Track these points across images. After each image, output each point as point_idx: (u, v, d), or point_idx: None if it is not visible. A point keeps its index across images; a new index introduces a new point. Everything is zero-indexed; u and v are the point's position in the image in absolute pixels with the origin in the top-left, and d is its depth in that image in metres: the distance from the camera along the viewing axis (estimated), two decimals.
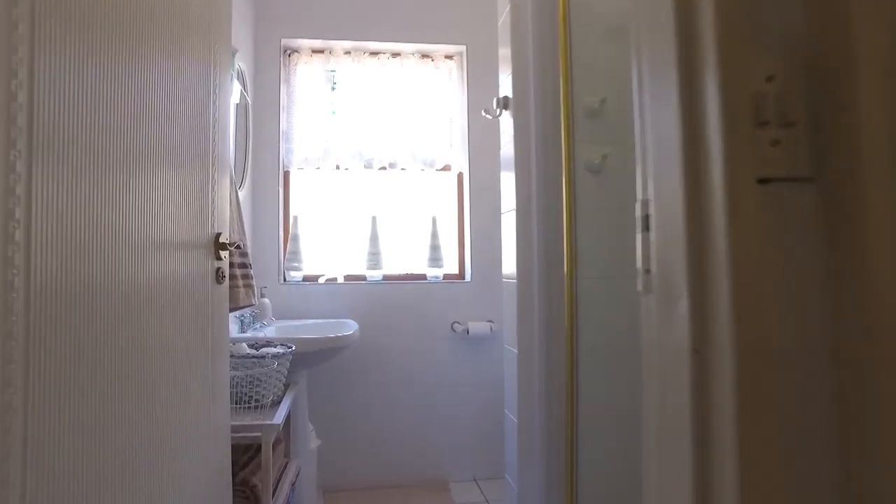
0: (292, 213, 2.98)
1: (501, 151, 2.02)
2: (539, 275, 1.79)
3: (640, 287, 0.70)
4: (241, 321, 2.27)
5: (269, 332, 2.37)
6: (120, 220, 0.91)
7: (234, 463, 1.66)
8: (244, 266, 1.89)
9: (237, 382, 1.69)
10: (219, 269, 1.38)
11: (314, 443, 2.55)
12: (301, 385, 2.21)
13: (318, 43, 3.01)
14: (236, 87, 2.25)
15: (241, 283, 1.81)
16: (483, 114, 2.00)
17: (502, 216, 1.99)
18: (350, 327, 2.34)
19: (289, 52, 3.04)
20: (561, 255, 1.74)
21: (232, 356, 1.74)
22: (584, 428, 1.63)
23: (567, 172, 1.73)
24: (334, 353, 2.32)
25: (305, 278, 2.92)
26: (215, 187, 1.37)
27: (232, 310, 1.85)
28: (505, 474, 2.08)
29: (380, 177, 3.08)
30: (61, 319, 0.75)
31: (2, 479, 0.65)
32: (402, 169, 3.03)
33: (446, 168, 3.09)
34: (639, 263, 0.69)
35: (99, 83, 0.84)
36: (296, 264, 2.88)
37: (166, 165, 1.10)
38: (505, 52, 1.96)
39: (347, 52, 3.04)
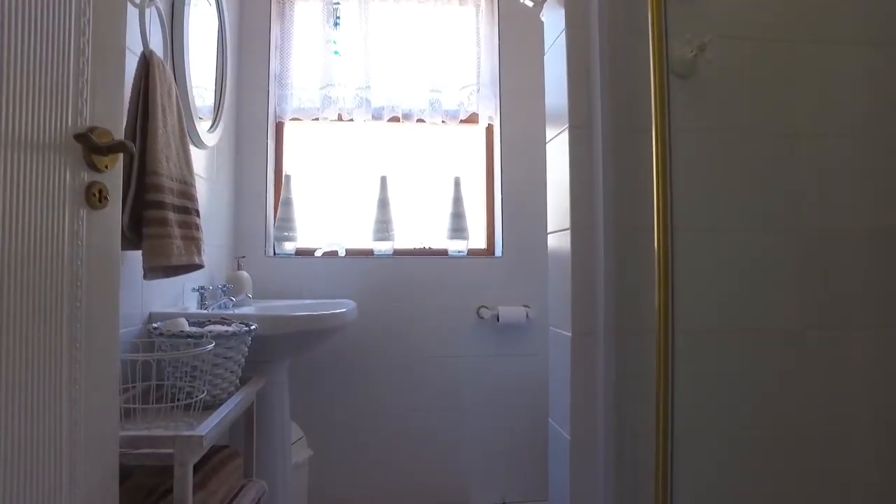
0: (285, 172, 2.45)
1: (545, 56, 1.45)
2: (606, 224, 1.21)
3: None
4: (202, 296, 1.74)
5: (246, 312, 1.84)
6: None
7: (150, 490, 1.12)
8: (185, 211, 1.35)
9: (166, 373, 1.16)
10: (93, 184, 0.85)
11: (303, 454, 2.02)
12: (277, 382, 1.68)
13: None
14: None
15: (176, 232, 1.28)
16: (521, 0, 1.43)
17: (548, 143, 1.42)
18: (345, 306, 1.79)
19: None
20: (641, 195, 1.17)
21: (162, 335, 1.22)
22: (684, 442, 1.05)
23: (657, 70, 1.15)
24: (322, 337, 1.78)
25: (299, 251, 2.39)
26: (85, 55, 0.84)
27: (164, 269, 1.32)
28: (546, 501, 1.51)
29: (391, 130, 2.53)
30: None
31: None
32: (419, 120, 2.48)
33: (472, 119, 2.53)
34: None
35: None
36: (288, 234, 2.35)
37: None
38: None
39: None
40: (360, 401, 2.31)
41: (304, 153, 2.53)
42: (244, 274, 2.05)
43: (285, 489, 1.75)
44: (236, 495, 1.31)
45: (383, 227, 2.37)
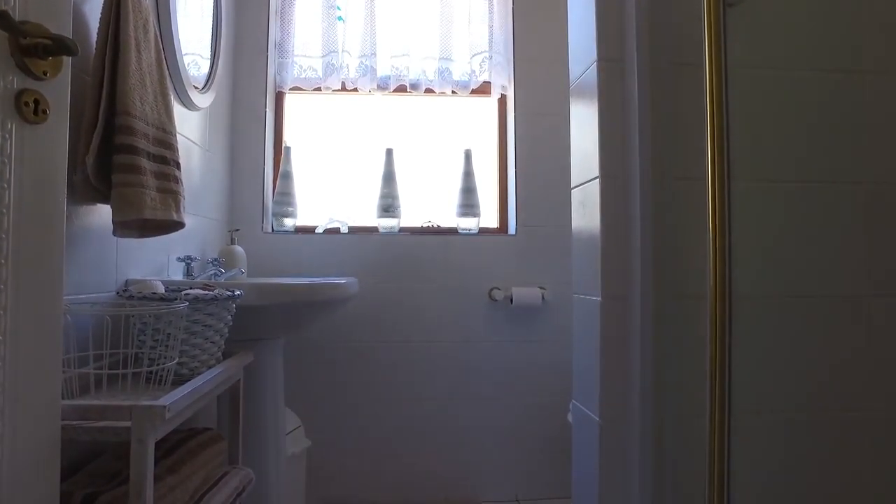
0: (285, 143, 2.30)
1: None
2: (643, 172, 1.04)
3: None
4: (188, 266, 1.58)
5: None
6: None
7: (112, 476, 0.97)
8: (162, 160, 1.20)
9: (136, 340, 1.00)
10: (24, 91, 0.69)
11: (300, 444, 1.86)
12: (269, 361, 1.52)
13: None
14: None
15: (151, 182, 1.12)
16: None
17: (571, 88, 1.25)
18: (342, 279, 1.63)
19: None
20: (686, 139, 1.00)
21: (133, 297, 1.06)
22: (742, 426, 0.88)
23: None
24: (319, 311, 1.62)
25: (298, 228, 2.23)
26: None
27: (139, 226, 1.17)
28: (569, 498, 1.34)
29: (397, 100, 2.38)
30: None
31: None
32: (427, 90, 2.32)
33: (484, 90, 2.36)
34: None
35: None
36: (287, 209, 2.20)
37: None
38: None
39: None
40: (362, 388, 2.15)
41: (305, 124, 2.38)
42: (238, 248, 1.90)
43: (278, 480, 1.59)
44: (216, 483, 1.14)
45: (389, 203, 2.21)
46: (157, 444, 0.89)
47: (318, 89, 2.33)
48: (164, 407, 0.82)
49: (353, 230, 2.24)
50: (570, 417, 1.49)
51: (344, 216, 2.27)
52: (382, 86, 2.32)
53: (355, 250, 2.19)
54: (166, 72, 1.30)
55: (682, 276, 1.03)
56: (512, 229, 2.29)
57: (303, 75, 2.33)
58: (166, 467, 1.00)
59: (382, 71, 2.32)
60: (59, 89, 0.75)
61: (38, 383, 0.72)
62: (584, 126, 1.18)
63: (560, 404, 2.05)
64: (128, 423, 0.82)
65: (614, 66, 1.08)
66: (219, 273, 1.63)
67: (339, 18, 2.37)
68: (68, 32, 0.77)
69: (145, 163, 1.13)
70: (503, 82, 2.36)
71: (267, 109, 2.26)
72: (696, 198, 0.98)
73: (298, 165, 2.26)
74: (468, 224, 2.26)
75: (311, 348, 2.11)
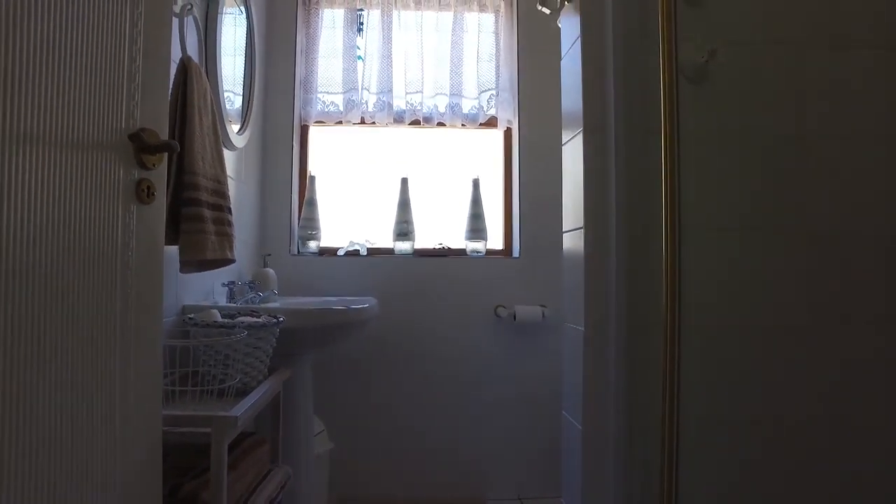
0: (309, 173, 2.53)
1: (562, 62, 1.51)
2: (618, 223, 1.27)
3: None
4: (231, 291, 1.82)
5: (272, 308, 1.92)
6: None
7: (185, 470, 1.20)
8: (219, 208, 1.43)
9: (200, 359, 1.24)
10: (142, 181, 0.92)
11: (324, 446, 2.09)
12: (302, 373, 1.75)
13: None
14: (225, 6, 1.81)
15: (211, 227, 1.36)
16: (539, 7, 1.50)
17: (563, 147, 1.48)
18: (365, 301, 1.86)
19: None
20: (651, 194, 1.22)
21: (196, 325, 1.29)
22: (689, 439, 1.10)
23: (666, 75, 1.20)
24: (347, 332, 1.85)
25: (322, 250, 2.46)
26: (136, 62, 0.91)
27: (201, 265, 1.40)
28: (561, 496, 1.56)
29: (412, 133, 2.61)
30: None
31: None
32: (439, 124, 2.55)
33: (491, 123, 2.59)
34: None
35: None
36: (312, 233, 2.43)
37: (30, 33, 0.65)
38: None
39: None
40: (379, 396, 2.38)
41: (327, 155, 2.61)
42: (270, 271, 2.13)
43: (308, 477, 1.81)
44: (264, 478, 1.38)
45: (404, 228, 2.44)
46: None
47: (340, 123, 2.56)
48: (236, 417, 1.05)
49: (371, 252, 2.47)
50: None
51: (363, 239, 2.50)
52: (398, 119, 2.54)
53: (373, 271, 2.42)
54: (219, 131, 1.54)
55: (651, 310, 1.25)
56: (516, 252, 2.51)
57: (326, 110, 2.56)
58: (228, 464, 1.23)
59: (398, 106, 2.54)
60: (160, 174, 0.99)
61: (150, 398, 0.95)
62: (572, 183, 1.40)
63: (557, 412, 2.26)
64: (208, 430, 1.06)
65: (596, 136, 1.30)
66: (257, 297, 1.86)
67: (359, 58, 2.60)
68: (165, 131, 1.01)
69: (206, 212, 1.36)
70: (508, 116, 2.58)
71: (294, 142, 2.49)
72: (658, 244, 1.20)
73: (322, 192, 2.49)
74: (476, 247, 2.48)
75: (335, 359, 2.33)
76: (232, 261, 1.46)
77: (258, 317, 1.42)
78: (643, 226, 1.25)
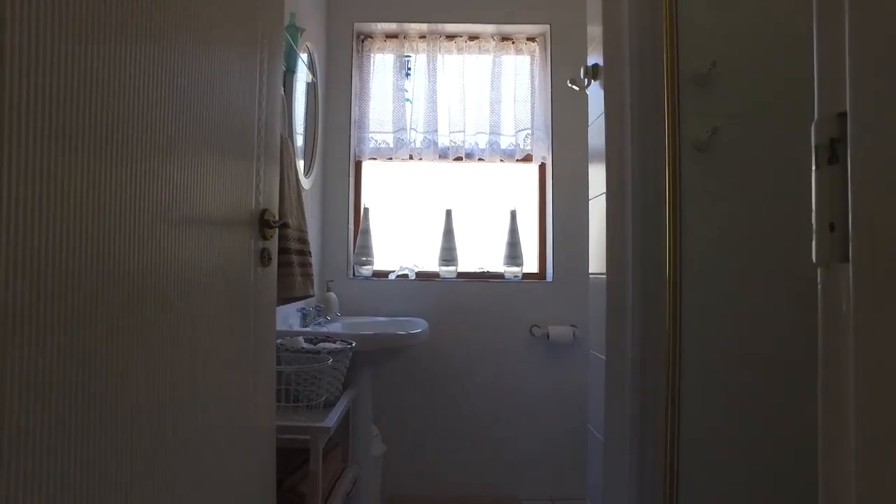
0: (363, 204, 2.84)
1: (589, 128, 1.77)
2: (634, 271, 1.53)
3: (815, 254, 0.45)
4: (304, 315, 2.13)
5: (335, 328, 2.23)
6: (136, 198, 0.75)
7: (282, 468, 1.50)
8: (302, 253, 1.74)
9: (290, 379, 1.54)
10: (264, 249, 1.23)
11: (379, 449, 2.38)
12: (363, 386, 2.04)
13: (392, 27, 2.87)
14: (301, 68, 2.12)
15: (297, 270, 1.66)
16: (569, 84, 1.76)
17: (590, 202, 1.74)
18: (418, 325, 2.15)
19: (362, 37, 2.92)
20: (661, 248, 1.47)
21: (286, 350, 1.60)
22: (687, 453, 1.35)
23: (670, 149, 1.46)
24: (400, 352, 2.14)
25: (375, 274, 2.77)
26: (261, 165, 1.22)
27: (287, 299, 1.71)
28: (587, 499, 1.82)
29: (455, 168, 2.89)
30: (60, 299, 0.60)
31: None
32: (480, 160, 2.83)
33: (527, 158, 2.86)
34: (813, 217, 0.45)
35: (104, 67, 0.69)
36: (365, 259, 2.73)
37: (197, 143, 0.95)
38: (594, 27, 1.71)
39: (423, 37, 2.88)
40: (425, 405, 2.66)
41: (379, 188, 2.92)
42: (332, 295, 2.44)
43: (368, 477, 2.11)
44: (340, 475, 1.68)
45: (448, 254, 2.72)
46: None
47: (390, 159, 2.86)
48: (329, 427, 1.35)
49: (419, 275, 2.77)
50: None
51: (411, 264, 2.80)
52: (443, 156, 2.83)
53: (421, 292, 2.71)
54: (300, 187, 1.85)
55: (657, 345, 1.50)
56: (549, 276, 2.78)
57: (378, 147, 2.87)
58: None
59: (443, 143, 2.83)
60: (274, 243, 1.29)
61: (269, 413, 1.26)
62: (597, 233, 1.66)
63: (585, 422, 2.52)
64: (305, 437, 1.35)
65: (616, 198, 1.56)
66: (324, 319, 2.17)
67: (407, 100, 2.90)
68: (275, 206, 1.31)
69: (294, 258, 1.67)
70: (543, 153, 2.85)
71: (350, 177, 2.80)
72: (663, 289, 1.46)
73: (374, 222, 2.80)
74: (513, 271, 2.75)
75: (386, 371, 2.63)
76: (312, 296, 1.77)
77: (334, 342, 1.72)
78: (653, 273, 1.51)
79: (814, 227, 0.45)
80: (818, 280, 0.46)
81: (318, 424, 1.36)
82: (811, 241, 0.46)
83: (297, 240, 1.72)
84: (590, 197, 1.74)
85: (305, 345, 1.66)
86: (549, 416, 2.66)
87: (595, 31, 1.71)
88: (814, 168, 0.45)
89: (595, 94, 1.70)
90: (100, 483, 0.69)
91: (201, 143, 0.96)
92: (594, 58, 1.71)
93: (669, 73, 1.51)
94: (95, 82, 0.68)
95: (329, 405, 1.56)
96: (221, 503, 1.06)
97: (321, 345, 1.65)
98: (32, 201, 0.58)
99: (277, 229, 1.32)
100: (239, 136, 1.13)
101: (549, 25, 2.83)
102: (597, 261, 1.66)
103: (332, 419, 1.41)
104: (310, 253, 1.80)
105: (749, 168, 1.57)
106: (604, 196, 1.59)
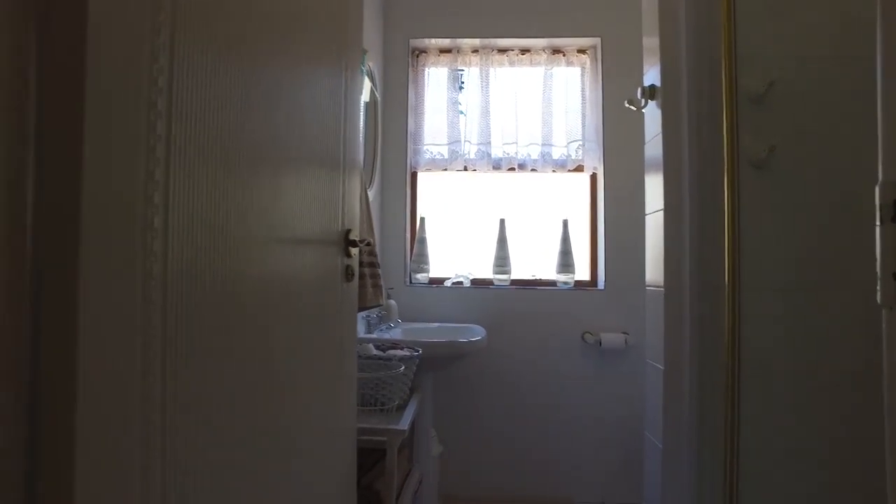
0: (419, 214, 2.95)
1: (646, 147, 1.83)
2: (691, 284, 1.59)
3: (881, 297, 0.53)
4: (368, 322, 2.25)
5: (395, 333, 2.34)
6: (254, 215, 0.87)
7: (358, 466, 1.61)
8: (372, 265, 1.86)
9: (362, 384, 1.65)
10: (348, 266, 1.34)
11: (436, 449, 2.49)
12: (426, 390, 2.15)
13: (445, 42, 2.97)
14: (367, 85, 2.25)
15: (369, 282, 1.78)
16: (626, 105, 1.83)
17: (646, 217, 1.81)
18: (478, 333, 2.24)
19: (416, 52, 3.03)
20: (718, 262, 1.53)
21: (360, 357, 1.71)
22: (748, 463, 1.41)
23: (729, 168, 1.52)
24: (461, 358, 2.24)
25: (431, 281, 2.88)
26: (345, 185, 1.33)
27: (360, 309, 1.83)
28: (641, 502, 1.89)
29: (508, 178, 2.98)
30: (195, 311, 0.72)
31: (145, 466, 0.62)
32: (532, 170, 2.91)
33: (579, 168, 2.92)
34: (878, 266, 0.52)
35: (229, 89, 0.81)
36: (422, 266, 2.84)
37: (297, 165, 1.07)
38: (650, 39, 1.78)
39: (475, 51, 2.98)
40: (479, 407, 2.76)
41: (434, 198, 3.02)
42: (393, 302, 2.56)
43: (427, 476, 2.22)
44: (407, 475, 1.78)
45: (502, 262, 2.81)
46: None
47: (445, 170, 2.96)
48: (405, 430, 1.46)
49: (473, 282, 2.86)
50: None
51: (466, 271, 2.90)
52: (496, 167, 2.92)
53: (475, 299, 2.80)
54: (368, 204, 1.97)
55: (715, 351, 1.56)
56: (601, 284, 2.83)
57: (432, 159, 2.98)
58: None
59: (496, 154, 2.92)
60: (355, 260, 1.40)
61: (352, 416, 1.37)
62: (653, 247, 1.73)
63: (637, 427, 2.57)
64: (383, 438, 1.46)
65: (675, 213, 1.63)
66: (389, 326, 2.28)
67: (461, 113, 3.00)
68: (357, 224, 1.42)
69: (366, 270, 1.79)
70: (594, 163, 2.91)
71: (406, 188, 2.92)
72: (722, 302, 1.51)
73: (429, 230, 2.90)
74: (565, 279, 2.82)
75: (444, 377, 2.74)
76: (381, 305, 1.88)
77: (401, 349, 1.83)
78: (711, 286, 1.57)
79: (878, 274, 0.52)
80: (883, 319, 0.53)
81: (394, 427, 1.47)
82: (875, 284, 0.53)
83: (367, 252, 1.84)
84: (647, 212, 1.80)
85: (376, 352, 1.77)
86: (601, 421, 2.72)
87: (651, 42, 1.77)
88: (878, 223, 0.52)
89: (652, 113, 1.77)
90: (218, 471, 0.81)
91: (305, 163, 1.08)
92: (651, 77, 1.78)
93: (727, 93, 1.56)
94: (230, 117, 0.80)
95: (400, 408, 1.67)
96: (310, 498, 1.18)
97: (390, 352, 1.76)
98: (181, 228, 0.70)
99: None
100: (330, 155, 1.24)
101: (599, 38, 2.89)
102: (654, 273, 1.72)
103: (405, 422, 1.52)
104: (379, 264, 1.91)
105: (805, 185, 1.61)
106: (661, 212, 1.66)
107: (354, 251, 1.37)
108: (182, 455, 0.69)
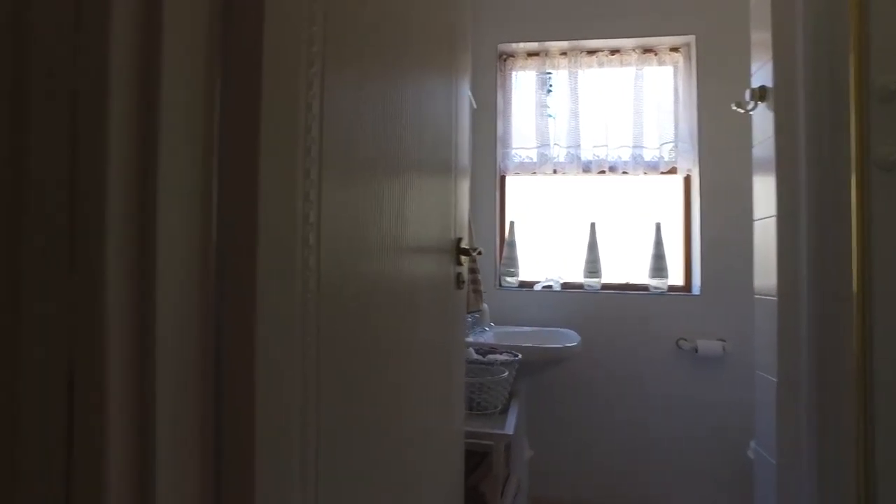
0: (508, 218, 2.97)
1: (754, 150, 1.77)
2: (808, 293, 1.52)
3: None
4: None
5: (489, 337, 2.37)
6: (387, 226, 0.92)
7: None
8: (473, 271, 1.89)
9: (466, 388, 1.69)
10: (458, 274, 1.38)
11: (528, 453, 2.50)
12: (522, 394, 2.17)
13: (533, 46, 2.98)
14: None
15: (469, 287, 1.82)
16: (733, 108, 1.78)
17: (755, 223, 1.75)
18: (572, 338, 2.24)
19: (504, 56, 3.05)
20: (841, 271, 1.46)
21: None
22: (885, 480, 1.34)
23: (858, 170, 1.44)
24: (555, 363, 2.25)
25: (521, 284, 2.89)
26: (457, 192, 1.37)
27: None
28: None
29: (598, 181, 2.95)
30: (340, 319, 0.77)
31: (304, 461, 0.67)
32: (624, 172, 2.86)
33: (672, 171, 2.85)
34: None
35: (367, 105, 0.86)
36: (511, 270, 2.86)
37: (418, 175, 1.11)
38: (760, 34, 1.72)
39: (563, 53, 2.96)
40: (570, 411, 2.75)
41: (524, 202, 3.03)
42: (485, 306, 2.58)
43: (523, 480, 2.23)
44: (506, 479, 1.81)
45: (592, 266, 2.79)
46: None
47: (534, 173, 2.97)
48: (511, 434, 1.48)
49: (564, 286, 2.85)
50: (749, 453, 1.96)
51: (556, 275, 2.89)
52: (586, 170, 2.90)
53: (566, 303, 2.79)
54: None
55: (838, 364, 1.49)
56: (696, 289, 2.75)
57: (521, 162, 2.99)
58: (489, 465, 1.68)
59: (585, 157, 2.89)
60: (465, 267, 1.44)
61: (460, 418, 1.41)
62: (762, 252, 1.67)
63: (735, 437, 2.49)
64: (489, 442, 1.50)
65: (789, 220, 1.57)
66: (485, 330, 2.32)
67: (550, 116, 2.99)
68: (466, 232, 1.46)
69: (468, 275, 1.82)
70: (688, 165, 2.83)
71: (495, 191, 2.94)
72: (847, 316, 1.44)
73: (519, 234, 2.92)
74: (658, 284, 2.76)
75: (534, 382, 2.74)
76: (481, 310, 1.92)
77: (500, 353, 1.85)
78: (830, 295, 1.50)
79: None
80: None
81: (500, 431, 1.50)
82: None
83: (470, 259, 1.87)
84: (755, 217, 1.74)
85: (476, 356, 1.81)
86: (697, 430, 2.65)
87: (761, 37, 1.71)
88: None
89: (762, 116, 1.71)
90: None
91: (426, 172, 1.13)
92: (761, 76, 1.72)
93: (857, 90, 1.48)
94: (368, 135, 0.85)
95: (501, 412, 1.70)
96: (425, 498, 1.22)
97: (490, 356, 1.80)
98: (328, 244, 0.75)
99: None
100: (444, 162, 1.28)
101: (693, 36, 2.81)
102: (764, 280, 1.67)
103: (510, 426, 1.55)
104: (479, 270, 1.95)
105: None
106: (773, 218, 1.60)
107: (465, 260, 1.40)
108: (330, 469, 0.74)
